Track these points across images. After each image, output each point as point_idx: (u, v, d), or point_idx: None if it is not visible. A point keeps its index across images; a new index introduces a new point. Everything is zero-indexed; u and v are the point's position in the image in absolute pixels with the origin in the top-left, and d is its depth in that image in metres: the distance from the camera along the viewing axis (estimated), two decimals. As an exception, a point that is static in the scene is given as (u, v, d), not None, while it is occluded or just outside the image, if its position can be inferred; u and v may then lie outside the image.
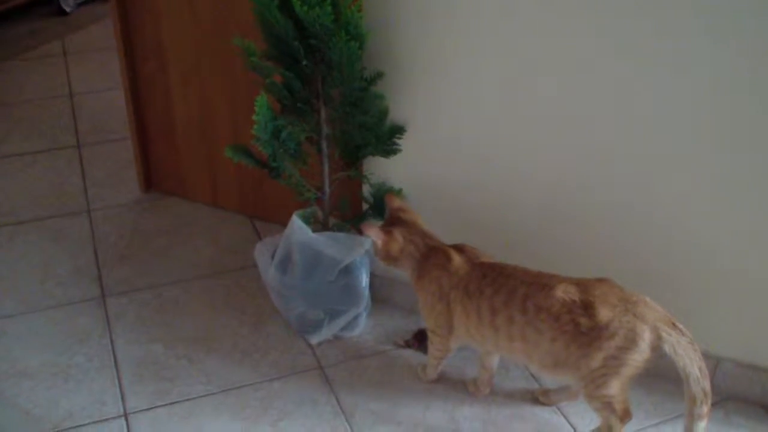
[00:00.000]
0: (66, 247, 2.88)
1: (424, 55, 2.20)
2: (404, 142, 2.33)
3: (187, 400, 2.30)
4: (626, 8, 1.94)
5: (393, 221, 2.20)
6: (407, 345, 2.48)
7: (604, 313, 1.91)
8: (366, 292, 2.46)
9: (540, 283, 1.99)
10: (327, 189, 2.39)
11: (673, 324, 1.92)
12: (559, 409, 2.30)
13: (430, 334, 2.23)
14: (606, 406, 2.00)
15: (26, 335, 2.51)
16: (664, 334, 1.90)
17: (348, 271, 2.40)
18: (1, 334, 2.52)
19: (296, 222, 2.37)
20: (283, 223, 2.90)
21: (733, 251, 2.14)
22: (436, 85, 2.23)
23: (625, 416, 2.02)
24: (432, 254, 2.15)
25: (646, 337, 1.90)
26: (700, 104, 1.98)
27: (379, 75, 2.21)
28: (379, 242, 2.15)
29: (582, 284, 1.97)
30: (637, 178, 2.14)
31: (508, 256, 2.16)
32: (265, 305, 2.61)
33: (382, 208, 2.43)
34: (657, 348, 1.91)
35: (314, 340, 2.48)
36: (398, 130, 2.31)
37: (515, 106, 2.17)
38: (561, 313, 1.94)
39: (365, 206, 2.48)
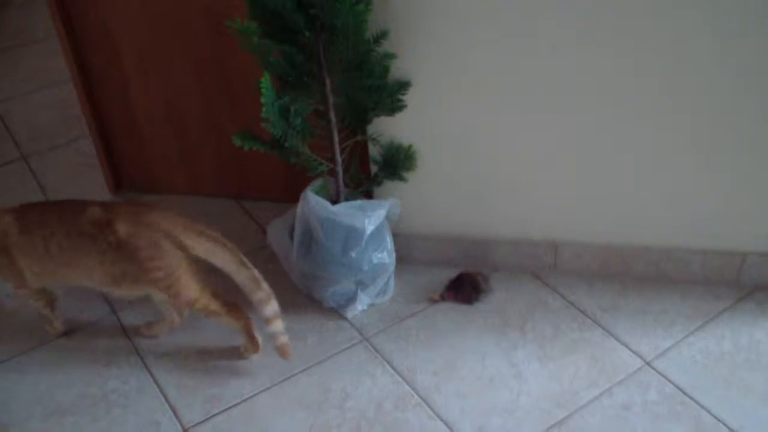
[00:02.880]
0: (53, 268, 2.70)
1: (426, 8, 2.12)
2: (409, 98, 2.26)
3: (243, 401, 2.22)
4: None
5: None
6: (442, 298, 2.45)
7: (123, 229, 2.06)
8: (394, 255, 2.41)
9: (74, 209, 2.11)
10: (339, 159, 2.30)
11: (199, 231, 2.12)
12: (608, 331, 2.31)
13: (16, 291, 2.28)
14: (205, 309, 2.19)
15: (47, 371, 2.37)
16: (183, 239, 2.09)
17: (374, 236, 2.34)
18: (21, 374, 2.37)
19: (312, 198, 2.29)
20: (272, 198, 2.83)
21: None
22: (439, 36, 2.16)
23: (231, 308, 2.21)
24: None
25: (164, 244, 2.08)
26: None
27: (384, 34, 2.13)
28: None
29: (107, 205, 2.13)
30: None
31: (509, 205, 2.28)
32: (284, 286, 2.52)
33: (395, 165, 2.37)
34: (186, 248, 2.10)
35: (350, 313, 2.42)
36: (403, 86, 2.24)
37: (519, 55, 2.13)
38: (94, 233, 2.07)
39: (374, 168, 2.41)
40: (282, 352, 2.23)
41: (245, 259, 2.13)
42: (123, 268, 2.10)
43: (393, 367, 2.27)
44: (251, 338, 2.26)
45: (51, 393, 2.29)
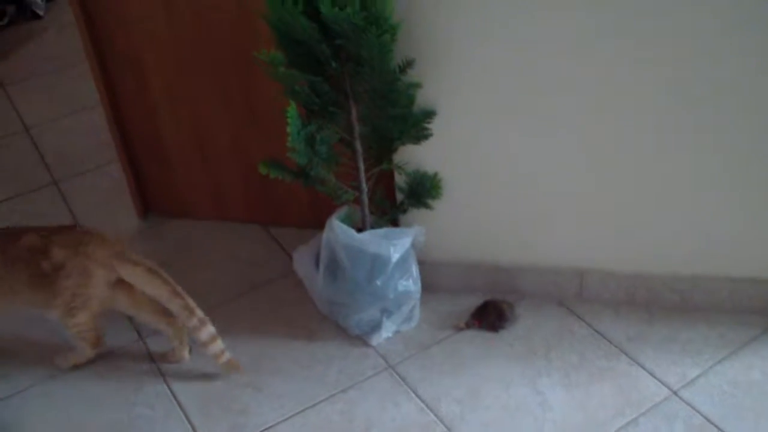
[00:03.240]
0: (82, 293, 2.73)
1: (451, 36, 2.13)
2: (435, 126, 2.27)
3: (267, 429, 2.23)
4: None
5: None
6: (468, 326, 2.45)
7: (58, 254, 2.17)
8: (419, 283, 2.41)
9: (11, 234, 2.25)
10: (364, 188, 2.31)
11: (128, 258, 2.21)
12: (635, 360, 2.29)
13: None
14: (78, 334, 2.30)
15: (77, 395, 2.39)
16: (119, 269, 2.20)
17: (399, 264, 2.34)
18: (50, 398, 2.39)
19: (337, 226, 2.30)
20: (298, 225, 2.85)
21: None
22: (465, 65, 2.17)
23: (97, 343, 2.35)
24: None
25: (97, 274, 2.19)
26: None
27: (409, 63, 2.14)
28: None
29: (45, 230, 2.25)
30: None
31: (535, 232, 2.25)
32: (310, 313, 2.54)
33: (420, 193, 2.38)
34: (112, 282, 2.22)
35: (374, 341, 2.43)
36: (429, 114, 2.25)
37: (544, 84, 2.14)
38: (28, 258, 2.18)
39: (400, 196, 2.42)
40: (232, 367, 2.33)
41: (179, 289, 2.22)
42: (47, 292, 2.21)
43: (418, 395, 2.27)
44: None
45: (80, 419, 2.31)
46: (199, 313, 2.24)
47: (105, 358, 2.48)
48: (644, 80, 2.06)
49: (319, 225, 2.39)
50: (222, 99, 2.67)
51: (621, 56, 2.04)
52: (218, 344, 2.27)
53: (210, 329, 2.25)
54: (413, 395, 2.27)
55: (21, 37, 4.54)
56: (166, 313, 2.33)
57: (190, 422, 2.26)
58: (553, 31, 2.05)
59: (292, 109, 2.07)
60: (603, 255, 2.39)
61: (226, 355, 2.30)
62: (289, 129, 2.07)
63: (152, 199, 3.03)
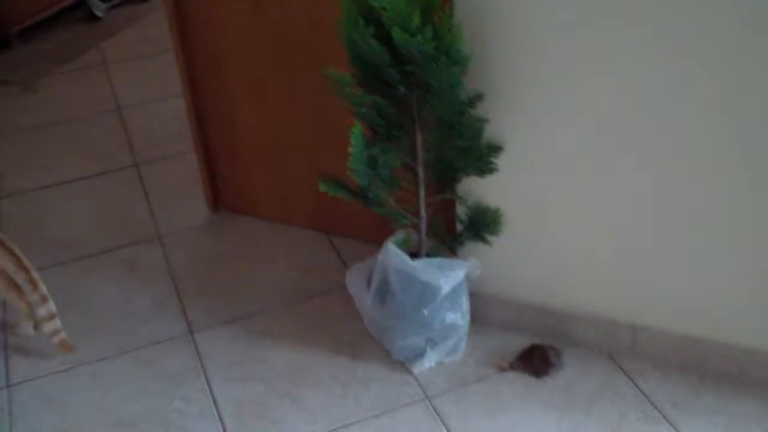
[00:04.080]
0: (143, 279, 2.81)
1: (522, 74, 2.10)
2: (501, 162, 2.23)
3: (296, 442, 2.24)
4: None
5: None
6: (511, 367, 2.41)
7: None
8: (468, 317, 2.38)
9: None
10: (423, 214, 2.30)
11: None
12: (676, 429, 2.21)
13: None
14: None
15: (120, 380, 2.45)
16: None
17: (449, 296, 2.32)
18: (97, 378, 2.46)
19: (392, 250, 2.29)
20: (362, 238, 2.84)
21: None
22: (534, 104, 2.13)
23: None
24: None
25: None
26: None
27: (479, 97, 2.11)
28: None
29: None
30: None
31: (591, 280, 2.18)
32: (357, 330, 2.54)
33: (479, 227, 2.35)
34: None
35: (416, 368, 2.41)
36: (495, 149, 2.22)
37: (612, 132, 2.08)
38: None
39: (459, 227, 2.39)
40: (63, 347, 2.42)
41: (26, 261, 2.32)
42: None
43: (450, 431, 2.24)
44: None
45: (119, 403, 2.37)
46: (43, 289, 2.33)
47: (155, 348, 2.52)
48: (704, 135, 1.99)
49: (382, 242, 2.38)
50: (297, 106, 2.69)
51: (683, 111, 1.97)
52: (56, 323, 2.37)
53: (50, 307, 2.35)
54: (446, 431, 2.24)
55: (129, 17, 4.68)
56: (16, 287, 2.39)
57: (222, 423, 2.29)
58: (622, 80, 1.99)
59: (357, 130, 2.07)
60: (658, 312, 2.32)
61: (62, 335, 2.40)
62: (351, 149, 2.07)
63: (223, 194, 3.07)
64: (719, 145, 2.00)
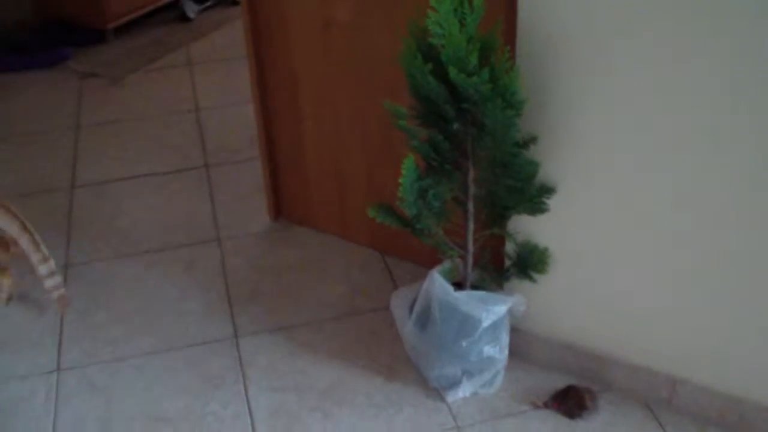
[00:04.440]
0: (198, 279, 2.90)
1: (578, 120, 2.10)
2: (552, 202, 2.24)
3: (320, 458, 2.28)
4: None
5: None
6: (545, 406, 2.41)
7: None
8: (506, 352, 2.40)
9: None
10: (470, 248, 2.32)
11: None
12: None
13: None
14: None
15: (163, 376, 2.53)
16: None
17: (489, 330, 2.33)
18: (141, 372, 2.55)
19: (437, 279, 2.32)
20: (416, 261, 2.88)
21: None
22: (589, 150, 2.14)
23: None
24: None
25: None
26: None
27: (533, 139, 2.13)
28: None
29: None
30: None
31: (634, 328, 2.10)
32: (398, 353, 2.57)
33: (527, 265, 2.36)
34: None
35: (451, 397, 2.43)
36: (548, 190, 2.23)
37: (669, 184, 2.07)
38: None
39: (507, 262, 2.41)
40: (61, 302, 2.63)
41: (27, 224, 2.49)
42: None
43: (475, 464, 2.26)
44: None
45: (158, 400, 2.45)
46: (44, 248, 2.51)
47: (200, 349, 2.61)
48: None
49: (435, 266, 2.41)
50: (362, 127, 2.74)
51: (743, 165, 1.95)
52: (56, 279, 2.58)
53: (51, 265, 2.54)
54: (471, 462, 2.26)
55: (219, 20, 4.82)
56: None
57: (253, 429, 2.35)
58: (679, 134, 1.99)
59: (409, 162, 2.11)
60: (700, 367, 2.29)
61: (61, 291, 2.60)
62: (402, 180, 2.11)
63: (285, 203, 3.15)
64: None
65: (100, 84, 4.17)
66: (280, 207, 3.17)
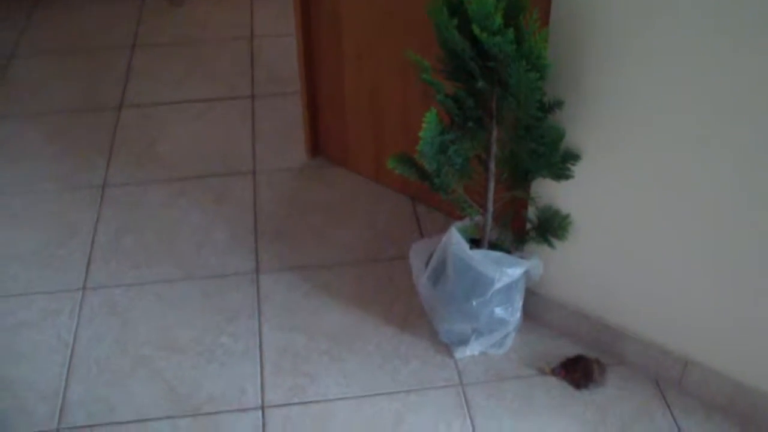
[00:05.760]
0: (227, 211, 2.92)
1: (606, 86, 2.03)
2: (577, 169, 2.18)
3: (323, 401, 2.31)
4: None
5: None
6: (552, 373, 2.38)
7: None
8: (518, 315, 2.37)
9: None
10: (490, 208, 2.28)
11: None
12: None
13: None
14: None
15: (180, 304, 2.58)
16: None
17: (502, 291, 2.31)
18: (160, 299, 2.60)
19: (454, 235, 2.29)
20: (445, 210, 2.85)
21: None
22: (616, 116, 2.06)
23: None
24: None
25: None
26: None
27: (558, 104, 2.06)
28: None
29: None
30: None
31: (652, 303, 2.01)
32: (413, 304, 2.57)
33: (547, 229, 2.32)
34: None
35: (459, 354, 2.42)
36: (572, 157, 2.17)
37: (693, 152, 1.98)
38: None
39: (528, 225, 2.37)
40: None
41: None
42: None
43: (473, 424, 2.26)
44: None
45: (172, 327, 2.50)
46: None
47: (220, 281, 2.64)
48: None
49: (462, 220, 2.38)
50: (400, 72, 2.70)
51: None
52: None
53: None
54: (468, 422, 2.27)
55: (285, -54, 4.74)
56: None
57: (261, 366, 2.39)
58: (708, 100, 1.90)
59: (432, 115, 2.07)
60: (714, 351, 2.23)
61: None
62: (422, 134, 2.08)
63: (323, 142, 3.14)
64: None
65: (160, 3, 4.17)
66: (318, 145, 3.16)
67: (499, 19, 1.86)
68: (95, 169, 3.10)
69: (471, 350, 2.42)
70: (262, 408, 2.29)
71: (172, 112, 3.41)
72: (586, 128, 2.12)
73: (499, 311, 2.34)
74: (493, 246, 2.38)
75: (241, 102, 3.46)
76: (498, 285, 2.27)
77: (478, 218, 2.36)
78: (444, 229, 2.53)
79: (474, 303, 2.31)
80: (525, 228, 2.38)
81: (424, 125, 2.07)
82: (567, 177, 2.20)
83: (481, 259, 2.28)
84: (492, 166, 2.21)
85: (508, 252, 2.35)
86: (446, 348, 2.45)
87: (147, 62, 3.72)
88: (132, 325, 2.52)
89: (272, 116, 3.38)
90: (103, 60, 3.74)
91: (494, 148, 2.18)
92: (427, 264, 2.45)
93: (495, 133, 2.15)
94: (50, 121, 3.36)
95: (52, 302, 2.59)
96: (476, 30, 1.87)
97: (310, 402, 2.31)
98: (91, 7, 4.13)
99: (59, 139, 3.25)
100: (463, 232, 2.33)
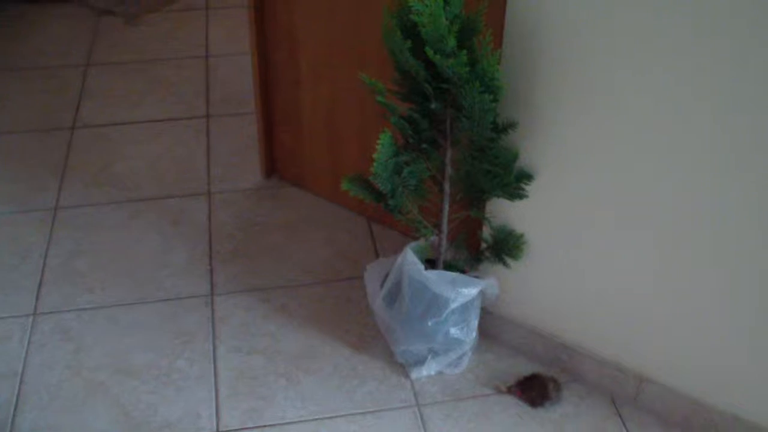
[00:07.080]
0: (183, 232, 2.90)
1: (559, 106, 2.05)
2: (531, 188, 2.20)
3: (279, 424, 2.30)
4: None
5: None
6: (509, 391, 2.39)
7: None
8: (474, 334, 2.38)
9: None
10: (445, 228, 2.29)
11: None
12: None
13: None
14: None
15: (136, 328, 2.55)
16: None
17: (457, 311, 2.31)
18: (114, 323, 2.57)
19: (409, 255, 2.30)
20: (401, 230, 2.85)
21: None
22: (569, 136, 2.09)
23: None
24: None
25: None
26: None
27: (512, 125, 2.08)
28: None
29: None
30: None
31: (605, 321, 2.01)
32: (369, 325, 2.57)
33: (502, 249, 2.33)
34: None
35: (415, 374, 2.42)
36: (526, 176, 2.18)
37: (646, 170, 2.01)
38: None
39: (483, 246, 2.38)
40: None
41: None
42: None
43: (430, 444, 2.26)
44: None
45: (127, 352, 2.47)
46: None
47: (175, 304, 2.61)
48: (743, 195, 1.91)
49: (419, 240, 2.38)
50: (358, 91, 2.68)
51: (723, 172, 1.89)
52: None
53: None
54: (426, 442, 2.26)
55: (241, -36, 4.73)
56: None
57: (216, 390, 2.37)
58: (662, 122, 1.92)
59: (386, 136, 2.07)
60: (669, 368, 2.26)
61: None
62: (376, 155, 2.08)
63: (280, 162, 3.13)
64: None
65: (114, 24, 4.14)
66: (274, 165, 3.15)
67: (452, 42, 1.87)
68: (47, 190, 3.06)
69: (427, 370, 2.42)
70: (217, 432, 2.27)
71: (127, 132, 3.38)
72: (539, 148, 2.14)
73: (454, 331, 2.34)
74: (449, 266, 2.38)
75: (196, 122, 3.44)
76: (453, 305, 2.28)
77: (433, 238, 2.36)
78: (401, 248, 2.52)
79: (430, 323, 2.31)
80: (480, 248, 2.39)
81: (378, 147, 2.08)
82: (521, 197, 2.21)
83: (437, 279, 2.28)
84: (447, 186, 2.22)
85: (464, 272, 2.36)
86: (402, 368, 2.45)
87: (102, 82, 3.68)
88: (85, 350, 2.48)
89: (228, 136, 3.36)
90: (56, 79, 3.70)
91: (449, 169, 2.19)
92: (382, 285, 2.44)
93: (449, 154, 2.16)
94: (1, 141, 3.31)
95: (1, 328, 2.54)
96: (429, 53, 1.88)
97: (266, 426, 2.29)
98: (46, 26, 4.09)
99: (10, 160, 3.21)
100: (418, 252, 2.34)
